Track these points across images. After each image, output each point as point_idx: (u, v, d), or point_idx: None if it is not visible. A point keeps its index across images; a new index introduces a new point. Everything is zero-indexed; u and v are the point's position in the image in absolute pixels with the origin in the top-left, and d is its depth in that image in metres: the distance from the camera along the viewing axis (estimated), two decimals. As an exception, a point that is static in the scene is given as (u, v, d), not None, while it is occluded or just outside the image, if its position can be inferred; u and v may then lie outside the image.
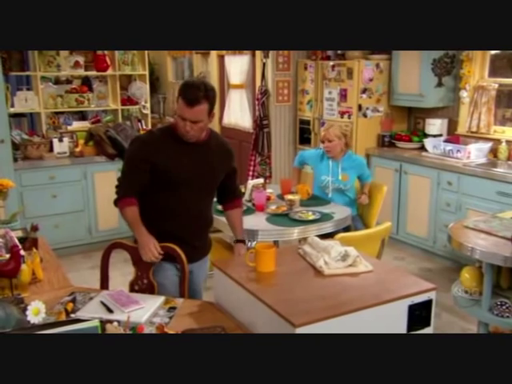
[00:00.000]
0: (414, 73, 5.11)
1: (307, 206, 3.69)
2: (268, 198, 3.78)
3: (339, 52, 5.58)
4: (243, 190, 3.96)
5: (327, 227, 3.42)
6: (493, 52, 4.96)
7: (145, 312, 2.11)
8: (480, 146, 4.73)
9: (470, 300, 3.06)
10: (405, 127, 5.64)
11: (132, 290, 2.48)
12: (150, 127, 5.64)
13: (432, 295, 2.04)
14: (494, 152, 4.72)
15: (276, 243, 3.60)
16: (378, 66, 5.32)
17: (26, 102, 5.14)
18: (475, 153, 4.65)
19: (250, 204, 3.74)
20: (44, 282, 2.44)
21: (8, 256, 2.28)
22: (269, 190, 3.95)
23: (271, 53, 5.78)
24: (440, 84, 5.09)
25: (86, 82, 6.53)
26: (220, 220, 3.12)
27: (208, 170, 2.55)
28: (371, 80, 5.31)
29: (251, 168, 6.03)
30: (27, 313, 1.91)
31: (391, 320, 1.98)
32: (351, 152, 4.17)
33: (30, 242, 2.60)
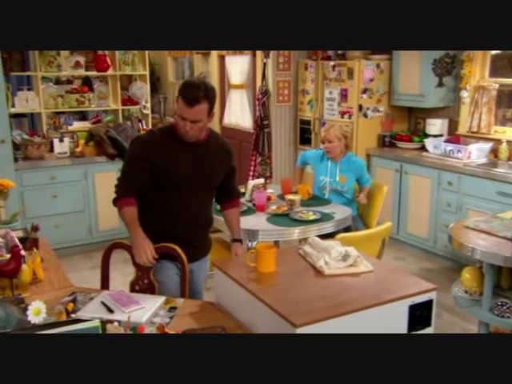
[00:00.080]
0: (414, 73, 5.11)
1: (308, 206, 3.69)
2: (268, 198, 3.78)
3: (340, 52, 5.58)
4: (244, 190, 3.96)
5: (328, 227, 3.42)
6: (493, 52, 4.95)
7: (145, 312, 2.11)
8: (480, 146, 4.73)
9: (470, 300, 3.06)
10: (405, 127, 5.64)
11: (132, 290, 2.48)
12: (150, 127, 5.63)
13: (432, 295, 2.04)
14: (494, 152, 4.72)
15: (276, 243, 3.60)
16: (378, 66, 5.31)
17: (26, 102, 5.14)
18: (476, 153, 4.65)
19: (250, 204, 3.74)
20: (45, 282, 2.44)
21: (9, 256, 2.28)
22: (269, 190, 3.95)
23: (272, 53, 5.78)
24: (440, 84, 5.08)
25: (87, 82, 6.53)
26: (220, 220, 3.12)
27: (208, 170, 2.55)
28: (372, 80, 5.31)
29: (252, 168, 6.03)
30: (28, 313, 1.91)
31: (392, 320, 1.98)
32: (351, 154, 4.16)
33: (30, 242, 2.60)
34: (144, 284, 2.49)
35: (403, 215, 5.12)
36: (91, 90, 5.82)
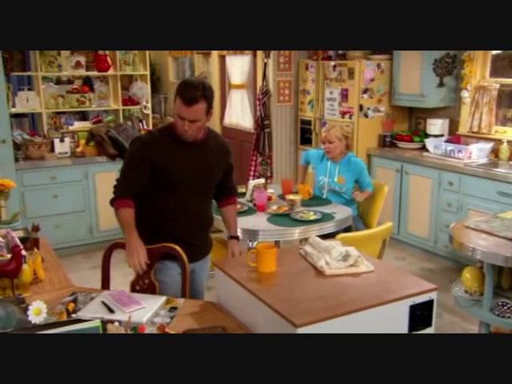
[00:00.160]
0: (415, 73, 5.11)
1: (308, 206, 3.69)
2: (269, 198, 3.78)
3: (340, 52, 5.58)
4: (244, 190, 3.97)
5: (328, 227, 3.42)
6: (494, 52, 4.95)
7: (146, 312, 2.11)
8: (481, 147, 4.73)
9: (471, 300, 3.06)
10: (406, 127, 5.64)
11: (133, 290, 2.48)
12: (151, 127, 5.64)
13: (433, 295, 2.04)
14: (495, 152, 4.72)
15: (277, 243, 3.60)
16: (379, 66, 5.31)
17: (27, 102, 5.15)
18: (476, 153, 4.65)
19: (251, 204, 3.74)
20: (45, 282, 2.45)
21: (9, 256, 2.28)
22: (270, 190, 3.95)
23: (272, 53, 5.78)
24: (441, 84, 5.08)
25: (87, 82, 6.54)
26: (220, 220, 3.12)
27: (207, 169, 2.55)
28: (372, 80, 5.31)
29: (252, 168, 6.03)
30: (28, 313, 1.91)
31: (392, 320, 1.98)
32: (352, 155, 4.13)
33: (31, 242, 2.60)
34: (145, 284, 2.49)
35: (404, 215, 5.12)
36: (92, 90, 5.82)
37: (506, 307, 2.87)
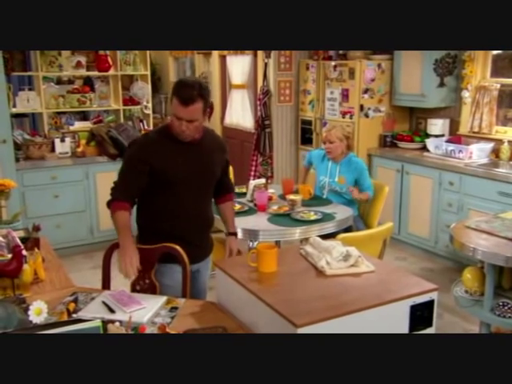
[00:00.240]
0: (415, 73, 5.11)
1: (309, 206, 3.69)
2: (270, 198, 3.78)
3: (341, 52, 5.57)
4: (245, 190, 3.97)
5: (329, 227, 3.42)
6: (495, 52, 4.95)
7: (146, 312, 2.11)
8: (482, 147, 4.72)
9: (471, 300, 3.06)
10: (406, 127, 5.64)
11: (134, 290, 2.48)
12: (151, 127, 5.64)
13: (434, 295, 2.04)
14: (495, 152, 4.71)
15: (278, 243, 3.60)
16: (379, 66, 5.31)
17: (28, 102, 5.15)
18: (477, 153, 4.65)
19: (251, 204, 3.74)
20: (46, 282, 2.45)
21: (10, 256, 2.28)
22: (270, 190, 3.95)
23: (273, 53, 5.78)
24: (442, 84, 5.08)
25: (88, 82, 6.54)
26: (220, 220, 3.12)
27: (206, 168, 2.55)
28: (373, 80, 5.30)
29: (253, 168, 6.03)
30: (29, 313, 1.91)
31: (393, 320, 1.98)
32: (353, 155, 4.12)
33: (31, 241, 2.60)
34: (145, 284, 2.49)
35: (404, 215, 5.12)
36: (92, 90, 5.82)
37: (506, 307, 2.87)
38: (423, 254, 5.00)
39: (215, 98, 7.09)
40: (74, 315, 2.06)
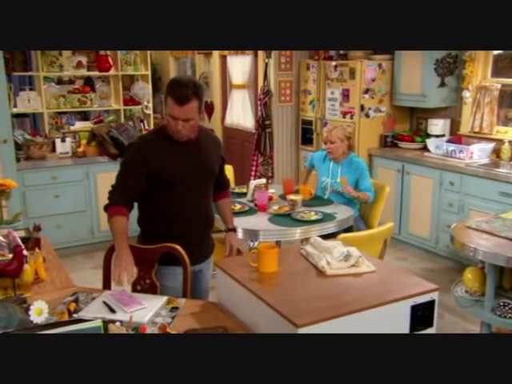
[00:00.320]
0: (416, 73, 5.11)
1: (309, 206, 3.69)
2: (270, 198, 3.78)
3: (341, 52, 5.58)
4: (245, 190, 3.97)
5: (330, 227, 3.42)
6: (495, 52, 4.95)
7: (147, 312, 2.11)
8: (482, 147, 4.72)
9: (471, 300, 3.06)
10: (407, 127, 5.64)
11: (134, 290, 2.48)
12: (152, 127, 5.64)
13: (434, 296, 2.04)
14: (496, 152, 4.71)
15: (278, 243, 3.60)
16: (380, 66, 5.31)
17: (28, 102, 5.15)
18: (478, 153, 4.65)
19: (252, 204, 3.74)
20: (47, 282, 2.45)
21: (11, 256, 2.28)
22: (271, 190, 3.95)
23: (273, 53, 5.78)
24: (443, 84, 5.08)
25: (89, 82, 6.54)
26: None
27: (204, 167, 2.54)
28: (374, 80, 5.30)
29: (253, 168, 6.04)
30: (30, 313, 1.92)
31: (394, 320, 1.98)
32: (354, 155, 4.11)
33: (32, 241, 2.60)
34: (146, 284, 2.49)
35: (405, 215, 5.12)
36: (93, 90, 5.83)
37: (507, 307, 2.87)
38: (424, 254, 5.00)
39: (216, 98, 7.10)
40: (75, 315, 2.06)
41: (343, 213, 3.62)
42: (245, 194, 3.94)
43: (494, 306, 2.91)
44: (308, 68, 5.80)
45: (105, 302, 2.18)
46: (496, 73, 4.96)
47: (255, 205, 3.69)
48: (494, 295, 2.94)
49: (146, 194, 2.48)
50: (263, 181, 4.14)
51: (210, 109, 7.19)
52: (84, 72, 5.53)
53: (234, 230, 2.84)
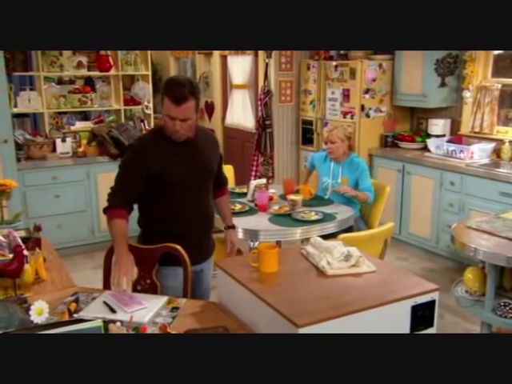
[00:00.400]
0: (416, 73, 5.11)
1: (310, 206, 3.69)
2: (270, 198, 3.78)
3: (342, 52, 5.58)
4: (245, 190, 3.97)
5: (330, 227, 3.42)
6: (496, 52, 4.95)
7: (148, 312, 2.11)
8: (483, 147, 4.72)
9: (471, 300, 3.06)
10: (407, 127, 5.64)
11: (135, 290, 2.47)
12: (152, 127, 5.64)
13: (435, 296, 2.04)
14: (497, 152, 4.71)
15: (278, 243, 3.60)
16: (380, 66, 5.31)
17: (29, 102, 5.16)
18: (478, 153, 4.65)
19: (252, 204, 3.74)
20: (47, 282, 2.45)
21: (11, 256, 2.28)
22: (271, 190, 3.95)
23: (274, 53, 5.78)
24: (443, 84, 5.08)
25: (89, 83, 6.54)
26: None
27: (203, 166, 2.54)
28: (374, 80, 5.30)
29: (254, 168, 6.04)
30: (30, 313, 1.92)
31: (394, 320, 1.98)
32: (355, 155, 4.10)
33: (33, 241, 2.61)
34: (146, 284, 2.49)
35: (405, 215, 5.11)
36: (93, 90, 5.83)
37: (508, 307, 2.87)
38: (424, 254, 5.00)
39: (216, 98, 7.10)
40: (75, 315, 2.06)
41: (343, 213, 3.62)
42: (245, 194, 3.94)
43: (495, 306, 2.91)
44: (308, 68, 5.80)
45: (105, 302, 2.18)
46: (496, 73, 4.96)
47: (255, 205, 3.69)
48: (495, 295, 2.94)
49: (145, 195, 2.47)
50: (263, 181, 4.14)
51: (210, 109, 7.19)
52: (84, 72, 5.53)
53: (233, 227, 2.84)
